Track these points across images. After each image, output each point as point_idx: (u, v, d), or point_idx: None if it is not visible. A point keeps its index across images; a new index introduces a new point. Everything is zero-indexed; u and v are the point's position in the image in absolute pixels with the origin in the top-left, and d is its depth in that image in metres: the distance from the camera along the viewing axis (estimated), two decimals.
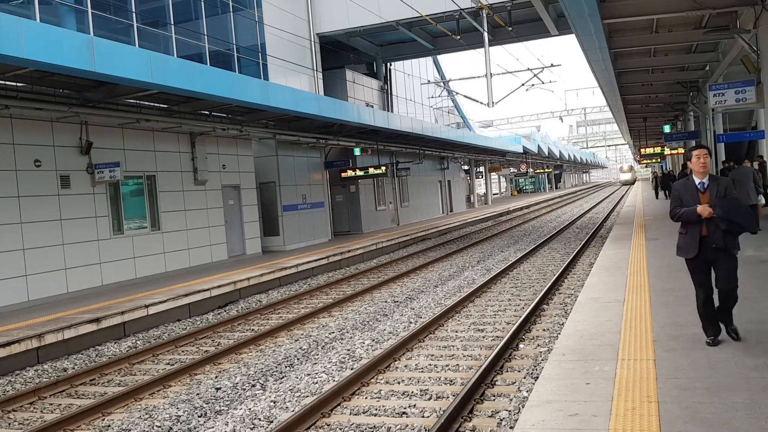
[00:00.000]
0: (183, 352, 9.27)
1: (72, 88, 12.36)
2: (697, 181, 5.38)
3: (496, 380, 6.67)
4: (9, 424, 6.66)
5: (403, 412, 5.91)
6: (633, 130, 40.52)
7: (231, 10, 19.55)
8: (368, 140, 24.75)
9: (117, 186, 14.34)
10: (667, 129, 30.31)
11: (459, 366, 7.24)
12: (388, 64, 31.10)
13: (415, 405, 6.07)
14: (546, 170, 73.03)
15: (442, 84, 37.08)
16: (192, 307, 11.99)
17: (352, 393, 6.52)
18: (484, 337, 8.57)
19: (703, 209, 5.17)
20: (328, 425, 5.74)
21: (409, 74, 34.36)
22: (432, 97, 38.13)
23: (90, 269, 13.38)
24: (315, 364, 7.86)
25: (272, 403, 6.44)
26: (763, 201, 14.95)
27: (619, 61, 17.90)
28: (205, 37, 18.07)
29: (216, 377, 7.66)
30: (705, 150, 5.40)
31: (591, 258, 15.04)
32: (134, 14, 15.67)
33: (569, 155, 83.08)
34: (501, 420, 5.52)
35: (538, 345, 7.90)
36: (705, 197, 5.27)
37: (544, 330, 8.66)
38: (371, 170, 24.46)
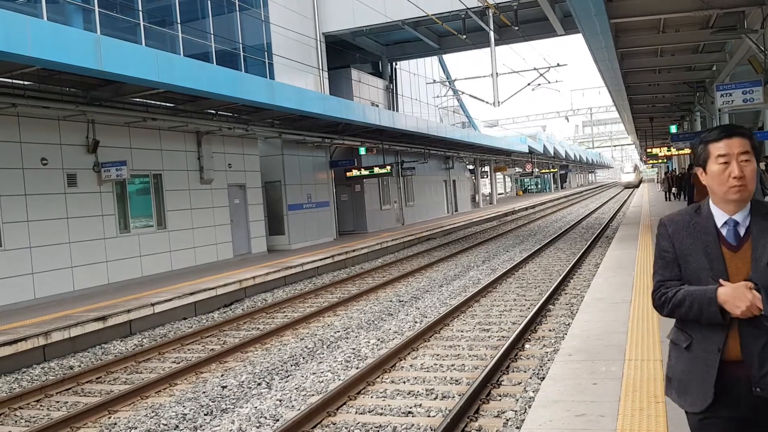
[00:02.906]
0: (189, 350, 9.29)
1: (79, 87, 12.41)
2: (720, 218, 2.17)
3: (502, 380, 6.65)
4: (16, 421, 6.68)
5: (409, 412, 5.90)
6: (639, 130, 40.40)
7: (237, 9, 19.58)
8: (373, 140, 24.75)
9: (123, 184, 14.37)
10: (673, 129, 30.16)
11: (464, 366, 7.23)
12: (394, 64, 31.12)
13: (420, 404, 6.06)
14: (551, 170, 72.86)
15: (447, 83, 37.09)
16: (198, 305, 12.02)
17: (357, 392, 6.52)
18: (489, 337, 8.55)
19: (738, 295, 2.01)
20: (334, 424, 5.74)
21: (415, 74, 34.35)
22: (437, 97, 38.10)
23: (96, 267, 13.42)
24: (320, 363, 7.86)
25: (278, 402, 6.44)
26: None
27: (626, 60, 17.84)
28: (212, 36, 18.10)
29: (222, 375, 7.67)
30: (742, 140, 2.15)
31: (597, 258, 15.00)
32: (141, 13, 15.70)
33: (575, 155, 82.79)
34: (507, 420, 5.50)
35: (544, 345, 7.88)
36: (740, 259, 2.12)
37: (550, 330, 8.64)
38: (376, 170, 24.45)
